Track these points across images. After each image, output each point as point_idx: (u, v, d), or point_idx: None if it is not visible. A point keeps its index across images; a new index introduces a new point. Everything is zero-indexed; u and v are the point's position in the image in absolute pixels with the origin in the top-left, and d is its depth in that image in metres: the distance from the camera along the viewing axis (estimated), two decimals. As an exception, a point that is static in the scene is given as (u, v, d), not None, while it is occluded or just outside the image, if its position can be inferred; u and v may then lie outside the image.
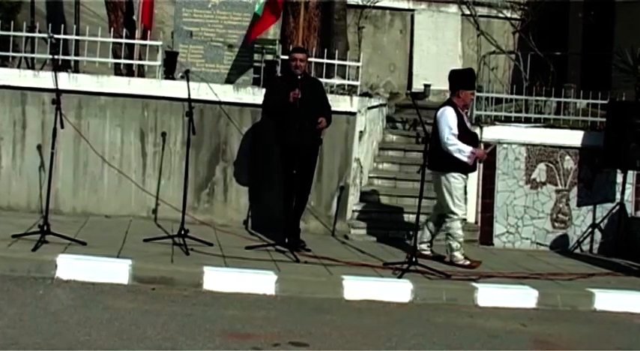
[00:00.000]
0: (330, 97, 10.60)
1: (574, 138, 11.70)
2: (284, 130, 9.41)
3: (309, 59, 11.39)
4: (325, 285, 8.17)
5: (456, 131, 9.26)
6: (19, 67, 10.76)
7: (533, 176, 11.60)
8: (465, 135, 9.37)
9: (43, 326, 6.16)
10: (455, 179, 9.36)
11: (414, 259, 8.73)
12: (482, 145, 10.33)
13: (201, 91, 10.21)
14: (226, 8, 10.93)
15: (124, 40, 11.08)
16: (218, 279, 7.89)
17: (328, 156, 10.72)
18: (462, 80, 9.73)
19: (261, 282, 7.95)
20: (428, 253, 9.70)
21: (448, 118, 9.31)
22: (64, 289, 7.34)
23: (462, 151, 9.23)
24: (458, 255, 9.46)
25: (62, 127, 8.42)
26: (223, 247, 9.08)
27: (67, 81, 9.99)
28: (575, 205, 11.70)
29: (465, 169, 9.43)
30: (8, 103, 10.18)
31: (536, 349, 7.11)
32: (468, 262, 9.44)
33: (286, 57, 10.23)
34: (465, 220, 9.58)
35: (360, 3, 16.88)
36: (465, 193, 9.97)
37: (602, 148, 11.34)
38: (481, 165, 11.44)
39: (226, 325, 6.71)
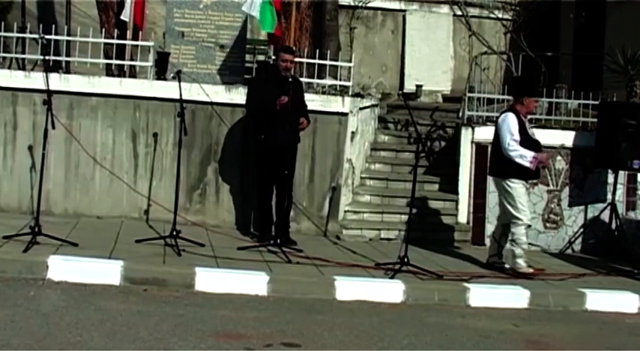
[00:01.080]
0: (321, 97, 10.68)
1: (565, 138, 11.72)
2: (271, 131, 9.42)
3: (302, 60, 11.43)
4: (317, 285, 8.18)
5: (517, 137, 9.18)
6: (9, 67, 10.73)
7: (525, 176, 11.60)
8: (527, 141, 9.29)
9: (35, 327, 6.15)
10: (516, 184, 9.28)
11: (405, 260, 8.73)
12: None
13: (192, 91, 10.20)
14: (218, 9, 10.91)
15: (115, 41, 11.07)
16: (210, 280, 7.88)
17: (320, 157, 10.73)
18: (527, 87, 9.69)
19: (253, 282, 7.95)
20: (500, 265, 9.59)
21: (510, 123, 9.23)
22: (56, 290, 7.33)
23: (524, 156, 9.16)
24: (521, 262, 9.33)
25: (53, 127, 8.41)
26: (215, 248, 9.07)
27: (58, 82, 9.98)
28: (567, 206, 11.72)
29: (526, 175, 9.36)
30: (-1, 104, 10.18)
31: (528, 349, 7.12)
32: (531, 270, 9.32)
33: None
34: (529, 226, 9.48)
35: (352, 3, 16.89)
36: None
37: (594, 149, 11.36)
38: (473, 166, 11.50)
39: (218, 326, 6.71)
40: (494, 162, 9.61)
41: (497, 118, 9.60)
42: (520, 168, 9.23)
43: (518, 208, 9.29)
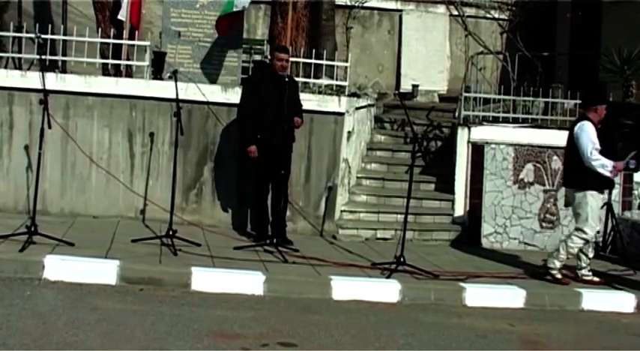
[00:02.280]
0: (318, 97, 10.69)
1: (561, 138, 11.62)
2: (268, 131, 9.42)
3: (298, 59, 11.43)
4: (313, 285, 8.18)
5: (598, 146, 8.97)
6: (6, 67, 10.73)
7: (521, 176, 11.63)
8: (604, 150, 9.05)
9: (31, 327, 6.14)
10: (592, 197, 9.04)
11: (401, 259, 8.74)
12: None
13: (189, 91, 10.20)
14: (214, 8, 10.89)
15: (111, 41, 11.05)
16: (206, 279, 7.88)
17: (316, 156, 10.73)
18: (599, 95, 9.49)
19: (249, 282, 7.95)
20: (591, 278, 9.37)
21: (590, 133, 8.99)
22: (52, 289, 7.32)
23: (605, 166, 8.94)
24: (557, 264, 9.16)
25: (50, 127, 8.40)
26: (211, 248, 9.07)
27: (54, 81, 9.97)
28: (563, 205, 11.69)
29: (602, 186, 9.15)
30: (-5, 104, 10.17)
31: (524, 348, 7.13)
32: (559, 276, 9.17)
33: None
34: (588, 241, 9.21)
35: (349, 3, 16.89)
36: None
37: (590, 148, 11.37)
38: (469, 166, 11.52)
39: (214, 326, 6.71)
40: (571, 173, 9.32)
41: (573, 127, 9.31)
42: (599, 179, 9.00)
43: (589, 221, 9.04)
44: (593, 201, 9.07)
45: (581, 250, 9.30)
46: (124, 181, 10.38)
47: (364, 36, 17.39)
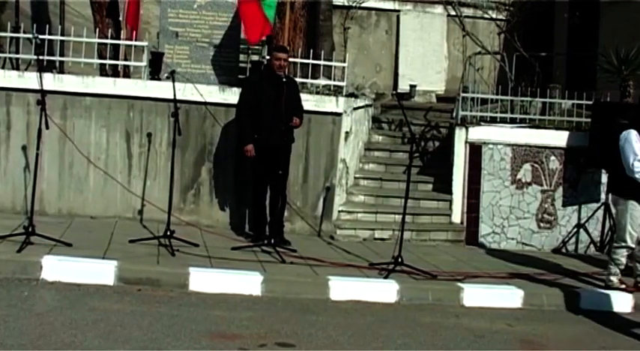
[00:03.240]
0: (315, 97, 10.67)
1: (559, 138, 11.74)
2: (266, 131, 9.42)
3: (295, 60, 11.42)
4: (311, 285, 8.18)
5: None
6: (3, 67, 10.70)
7: (518, 176, 11.64)
8: None
9: (29, 328, 6.14)
10: (633, 206, 8.87)
11: (399, 260, 8.74)
12: None
13: (186, 91, 10.20)
14: (212, 9, 10.90)
15: (109, 41, 11.05)
16: (204, 280, 7.88)
17: (314, 157, 10.73)
18: None
19: (247, 283, 7.95)
20: None
21: (633, 142, 8.72)
22: (50, 290, 7.32)
23: None
24: (614, 280, 9.06)
25: (47, 127, 8.39)
26: (209, 248, 9.07)
27: (52, 81, 9.96)
28: (561, 206, 11.74)
29: None
30: (-7, 104, 10.15)
31: (522, 348, 7.14)
32: (623, 286, 9.08)
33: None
34: (632, 248, 9.04)
35: (346, 3, 16.88)
36: None
37: (587, 149, 11.38)
38: (467, 166, 11.53)
39: (212, 326, 6.71)
40: (615, 180, 9.18)
41: (620, 133, 9.00)
42: None
43: (629, 230, 8.91)
44: (634, 210, 8.89)
45: (636, 259, 9.20)
46: (121, 181, 10.37)
47: (362, 36, 17.38)
